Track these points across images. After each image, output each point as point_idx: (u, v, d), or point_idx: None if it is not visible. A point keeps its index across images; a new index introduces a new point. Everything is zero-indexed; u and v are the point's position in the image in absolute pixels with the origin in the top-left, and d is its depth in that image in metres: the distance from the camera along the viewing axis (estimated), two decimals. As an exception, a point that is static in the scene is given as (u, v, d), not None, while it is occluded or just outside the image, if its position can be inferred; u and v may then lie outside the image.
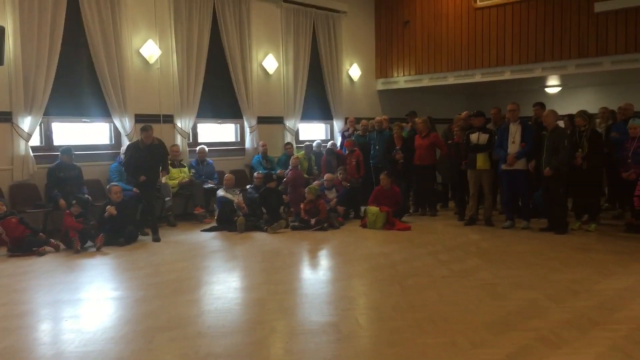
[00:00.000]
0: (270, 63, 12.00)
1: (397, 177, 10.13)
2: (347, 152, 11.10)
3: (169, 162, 9.47)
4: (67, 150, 8.81)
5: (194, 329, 4.64)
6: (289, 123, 12.43)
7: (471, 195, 9.43)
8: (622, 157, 8.41)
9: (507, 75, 12.14)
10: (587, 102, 13.00)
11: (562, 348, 4.12)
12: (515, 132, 8.70)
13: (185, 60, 10.53)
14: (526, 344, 4.19)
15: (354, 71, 13.83)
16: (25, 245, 7.55)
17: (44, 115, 8.92)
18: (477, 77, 12.58)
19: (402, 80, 13.92)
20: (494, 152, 9.02)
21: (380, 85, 14.38)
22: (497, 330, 4.50)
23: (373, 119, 11.78)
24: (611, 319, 4.73)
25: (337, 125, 13.41)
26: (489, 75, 12.39)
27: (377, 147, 11.05)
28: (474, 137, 9.25)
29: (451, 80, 13.02)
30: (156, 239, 8.42)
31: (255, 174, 10.27)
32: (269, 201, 9.69)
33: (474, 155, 9.19)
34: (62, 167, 8.72)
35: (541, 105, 9.78)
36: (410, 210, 10.56)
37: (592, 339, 4.28)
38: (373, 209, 9.37)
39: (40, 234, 7.88)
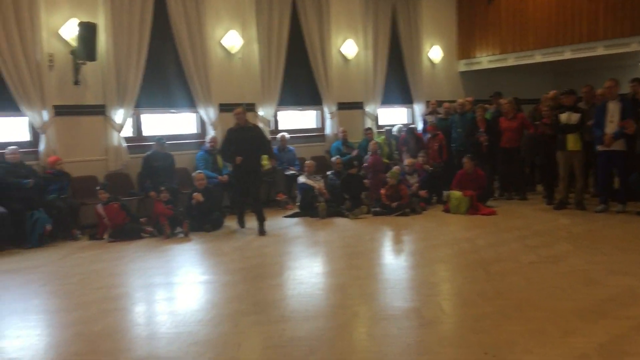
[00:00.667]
0: (350, 48, 11.95)
1: (481, 161, 9.85)
2: (429, 136, 10.91)
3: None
4: (160, 140, 9.20)
5: (278, 313, 4.74)
6: (368, 108, 12.36)
7: (561, 178, 9.01)
8: None
9: (600, 51, 11.43)
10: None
11: (662, 339, 3.88)
12: (614, 110, 8.18)
13: (266, 49, 10.68)
14: (621, 333, 3.99)
15: (435, 53, 13.52)
16: (125, 232, 7.96)
17: (134, 107, 9.33)
18: (567, 54, 11.94)
19: (485, 60, 13.46)
20: (585, 132, 8.57)
21: (462, 66, 13.98)
22: (589, 318, 4.30)
23: (455, 101, 11.49)
24: None
25: (418, 109, 13.19)
26: (580, 51, 11.72)
27: (459, 130, 10.77)
28: (564, 117, 8.81)
29: (538, 58, 12.44)
30: (261, 232, 8.05)
31: (333, 159, 10.28)
32: (351, 187, 9.69)
33: (564, 136, 8.77)
34: (156, 157, 9.12)
35: (639, 82, 9.15)
36: (496, 194, 10.25)
37: (696, 330, 4.00)
38: (456, 193, 9.17)
39: (141, 219, 8.32)
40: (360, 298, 5.13)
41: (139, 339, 4.34)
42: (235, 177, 8.60)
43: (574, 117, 8.71)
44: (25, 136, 8.67)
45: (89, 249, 7.50)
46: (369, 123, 12.28)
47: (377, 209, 9.25)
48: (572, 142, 8.71)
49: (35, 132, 8.57)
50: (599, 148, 8.33)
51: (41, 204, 7.84)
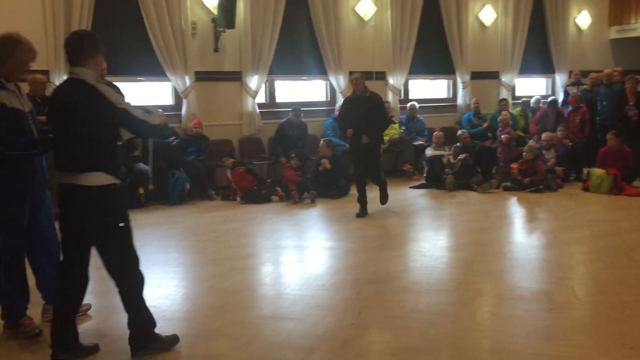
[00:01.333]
0: (488, 14, 11.39)
1: (629, 137, 9.04)
2: (570, 108, 10.19)
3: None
4: (297, 110, 9.44)
5: (400, 283, 4.72)
6: (505, 78, 11.77)
7: None
8: None
9: None
10: None
11: None
12: None
13: (399, 16, 10.48)
14: None
15: (583, 19, 12.50)
16: (253, 195, 8.31)
17: (268, 74, 9.60)
18: None
19: (641, 26, 12.27)
20: None
21: (613, 33, 12.82)
22: None
23: (602, 71, 10.58)
24: None
25: (560, 79, 12.34)
26: None
27: (604, 102, 9.94)
28: None
29: None
30: (361, 214, 7.32)
31: (459, 132, 9.89)
32: (483, 160, 9.33)
33: None
34: (290, 125, 9.38)
35: None
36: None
37: None
38: (598, 171, 8.52)
39: (268, 180, 8.65)
40: (485, 275, 4.97)
41: (265, 297, 4.54)
42: (350, 152, 7.89)
43: None
44: (168, 100, 9.26)
45: (222, 209, 7.93)
46: (504, 94, 11.71)
47: (508, 184, 8.85)
48: None
49: (178, 97, 9.12)
50: None
51: (181, 164, 8.39)
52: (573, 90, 11.10)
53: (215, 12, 8.88)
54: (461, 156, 9.11)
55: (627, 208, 7.41)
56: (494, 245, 5.87)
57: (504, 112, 10.17)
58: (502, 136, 9.65)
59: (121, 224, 3.41)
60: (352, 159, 7.86)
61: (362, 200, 7.39)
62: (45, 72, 7.57)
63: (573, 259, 5.53)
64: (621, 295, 4.32)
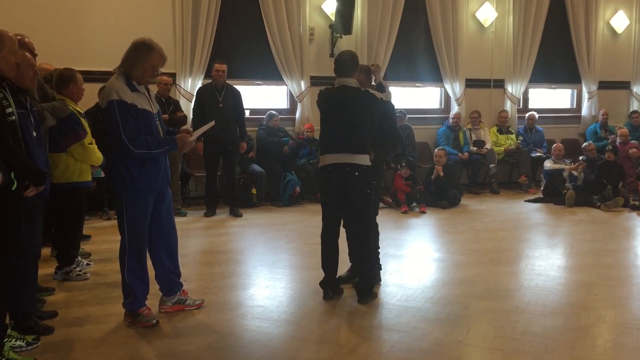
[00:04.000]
0: (620, 20, 10.64)
1: None
2: None
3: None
4: (401, 112, 9.32)
5: (512, 303, 4.50)
6: (637, 88, 10.94)
7: None
8: None
9: None
10: None
11: None
12: None
13: (522, 22, 10.08)
14: None
15: (619, 21, 11.36)
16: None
17: (382, 79, 9.51)
18: None
19: None
20: None
21: None
22: None
23: None
24: None
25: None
26: None
27: None
28: None
29: None
30: (235, 213, 7.68)
31: (585, 144, 9.31)
32: (608, 175, 8.71)
33: None
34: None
35: None
36: None
37: None
38: None
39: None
40: (608, 301, 4.61)
41: (370, 306, 4.48)
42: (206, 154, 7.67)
43: None
44: (284, 103, 9.49)
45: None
46: (636, 105, 10.88)
47: (637, 203, 8.20)
48: None
49: (293, 101, 9.32)
50: None
51: (293, 167, 8.56)
52: None
53: (333, 18, 8.98)
54: (580, 165, 8.59)
55: None
56: (618, 269, 5.44)
57: (621, 128, 9.51)
58: (630, 150, 8.99)
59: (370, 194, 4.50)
60: (211, 167, 7.79)
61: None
62: (172, 75, 8.02)
63: None
64: None
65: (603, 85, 10.73)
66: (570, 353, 3.62)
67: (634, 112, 10.39)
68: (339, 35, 9.01)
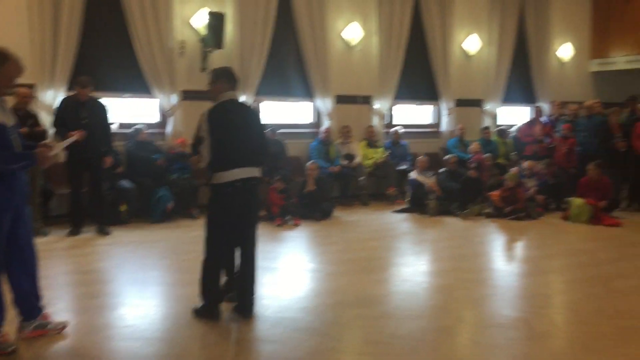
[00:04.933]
0: (473, 44, 11.58)
1: (612, 167, 9.23)
2: (554, 138, 10.33)
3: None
4: (272, 128, 9.44)
5: (381, 308, 4.72)
6: (488, 106, 11.94)
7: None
8: None
9: None
10: None
11: None
12: None
13: (386, 41, 10.62)
14: None
15: (565, 51, 12.76)
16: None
17: (255, 94, 9.61)
18: None
19: (621, 60, 12.51)
20: None
21: (594, 66, 13.09)
22: None
23: (581, 103, 10.80)
24: None
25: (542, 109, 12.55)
26: None
27: (584, 134, 10.11)
28: None
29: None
30: (102, 231, 7.37)
31: (447, 157, 10.01)
32: (471, 189, 9.40)
33: None
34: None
35: None
36: (623, 205, 9.54)
37: None
38: (578, 200, 8.64)
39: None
40: (466, 302, 4.99)
41: (244, 319, 4.49)
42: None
43: None
44: (154, 117, 9.24)
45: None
46: (487, 122, 11.87)
47: (490, 211, 8.94)
48: None
49: (164, 114, 9.10)
50: None
51: (165, 182, 8.34)
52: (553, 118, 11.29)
53: (203, 32, 8.92)
54: (431, 178, 9.23)
55: (605, 239, 7.51)
56: (474, 272, 5.90)
57: (473, 144, 10.36)
58: (469, 172, 9.80)
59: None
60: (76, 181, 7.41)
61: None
62: (31, 86, 7.53)
63: (552, 288, 5.59)
64: (600, 327, 4.36)
65: (460, 103, 11.58)
66: (434, 353, 3.88)
67: (486, 127, 11.32)
68: (209, 49, 8.96)
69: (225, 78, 4.44)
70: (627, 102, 10.74)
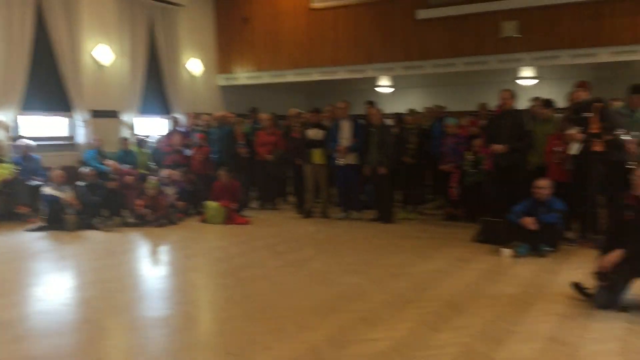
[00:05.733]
0: (104, 54, 11.48)
1: (240, 172, 10.29)
2: (193, 147, 10.96)
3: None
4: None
5: (13, 332, 4.38)
6: (125, 117, 11.99)
7: (308, 189, 9.82)
8: (440, 152, 9.28)
9: (341, 75, 12.74)
10: (415, 101, 13.94)
11: (379, 326, 4.50)
12: (345, 128, 9.23)
13: (7, 46, 9.74)
14: (348, 324, 4.52)
15: (194, 66, 13.67)
16: None
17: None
18: (315, 76, 13.04)
19: (243, 76, 14.01)
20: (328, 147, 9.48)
21: (221, 81, 14.35)
22: (322, 313, 4.80)
23: (212, 114, 11.80)
24: (423, 297, 5.26)
25: (179, 120, 13.18)
26: (326, 74, 12.90)
27: (217, 142, 11.05)
28: (311, 132, 9.64)
29: (290, 78, 13.35)
30: None
31: (86, 169, 9.73)
32: (110, 202, 9.29)
33: (310, 150, 9.58)
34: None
35: (371, 104, 10.44)
36: (253, 205, 10.74)
37: (405, 316, 4.73)
38: (212, 204, 9.41)
39: None
40: (109, 310, 4.99)
41: None
42: None
43: (319, 134, 9.58)
44: None
45: None
46: (125, 133, 11.91)
47: (132, 221, 9.04)
48: (318, 156, 9.56)
49: None
50: (336, 162, 9.29)
51: None
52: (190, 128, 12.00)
53: None
54: (68, 192, 8.94)
55: (237, 235, 8.36)
56: (118, 281, 5.92)
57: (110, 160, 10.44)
58: (127, 177, 9.84)
59: None
60: None
61: None
62: None
63: (190, 284, 5.98)
64: (228, 312, 4.88)
65: (96, 114, 11.33)
66: (73, 365, 3.80)
67: (124, 138, 11.35)
68: None
69: None
70: (250, 113, 12.15)
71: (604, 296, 4.78)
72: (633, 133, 6.83)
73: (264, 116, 11.03)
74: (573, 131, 7.00)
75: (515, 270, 6.18)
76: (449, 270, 6.23)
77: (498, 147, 7.70)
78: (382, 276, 5.97)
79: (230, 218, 9.30)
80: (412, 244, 7.61)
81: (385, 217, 9.15)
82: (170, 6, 12.80)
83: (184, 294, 5.56)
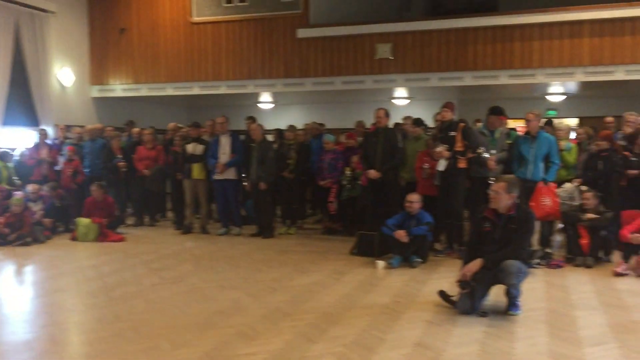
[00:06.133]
0: (67, 76, 10.65)
1: (115, 187, 9.91)
2: (62, 160, 10.38)
3: None
4: None
5: None
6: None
7: (187, 204, 9.65)
8: (319, 167, 9.50)
9: (223, 90, 12.69)
10: (296, 117, 14.13)
11: (256, 340, 4.52)
12: (225, 143, 9.20)
13: None
14: (225, 340, 4.50)
15: (65, 76, 12.93)
16: None
17: None
18: (196, 90, 12.88)
19: (119, 88, 13.47)
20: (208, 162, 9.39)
21: (95, 92, 13.69)
22: (199, 330, 4.73)
23: (85, 127, 11.28)
24: (300, 309, 5.34)
25: (49, 132, 12.41)
26: (207, 88, 12.78)
27: (89, 156, 10.55)
28: (190, 147, 9.50)
29: (170, 91, 13.06)
30: None
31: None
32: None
33: (190, 165, 9.44)
34: None
35: (252, 119, 10.49)
36: (129, 222, 10.36)
37: (282, 329, 4.78)
38: (84, 220, 8.97)
39: None
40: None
41: None
42: None
43: (199, 148, 9.47)
44: None
45: None
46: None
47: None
48: (197, 171, 9.43)
49: None
50: (215, 177, 9.22)
51: None
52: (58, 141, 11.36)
53: None
54: None
55: (111, 253, 8.02)
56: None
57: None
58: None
59: None
60: None
61: None
62: None
63: (57, 306, 5.63)
64: (98, 333, 4.67)
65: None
66: None
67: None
68: None
69: None
70: (126, 127, 11.73)
71: (466, 302, 5.13)
72: (492, 151, 7.41)
73: (137, 130, 10.70)
74: (440, 149, 7.46)
75: (388, 281, 6.45)
76: (326, 282, 6.38)
77: (373, 174, 8.01)
78: (261, 291, 5.99)
79: (104, 235, 8.91)
80: (291, 258, 7.71)
81: (266, 232, 9.20)
82: (39, 12, 12.08)
83: (50, 315, 5.22)
